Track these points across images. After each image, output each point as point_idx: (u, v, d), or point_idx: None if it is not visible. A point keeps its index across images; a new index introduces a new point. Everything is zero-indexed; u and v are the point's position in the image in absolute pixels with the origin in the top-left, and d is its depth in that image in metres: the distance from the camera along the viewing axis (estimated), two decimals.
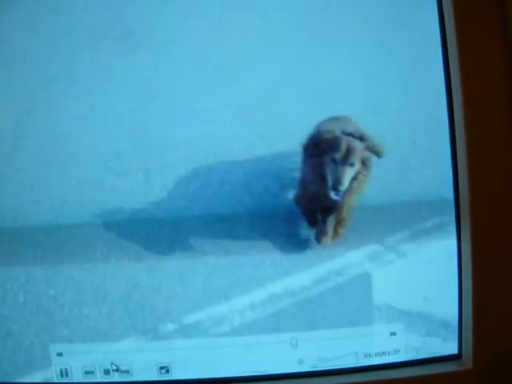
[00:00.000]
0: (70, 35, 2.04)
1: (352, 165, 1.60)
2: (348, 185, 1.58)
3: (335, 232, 1.80)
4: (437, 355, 1.13)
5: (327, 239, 1.83)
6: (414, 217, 1.77)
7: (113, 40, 2.16)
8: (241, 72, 2.23)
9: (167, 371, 1.16)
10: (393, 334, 1.15)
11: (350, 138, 1.66)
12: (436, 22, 1.12)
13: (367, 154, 1.63)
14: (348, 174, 1.60)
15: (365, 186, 1.66)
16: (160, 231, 1.67)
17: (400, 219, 1.83)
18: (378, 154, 1.65)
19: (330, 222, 1.80)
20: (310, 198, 1.77)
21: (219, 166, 1.98)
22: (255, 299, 1.40)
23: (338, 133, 1.66)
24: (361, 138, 1.66)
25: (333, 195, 1.59)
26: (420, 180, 1.90)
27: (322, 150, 1.67)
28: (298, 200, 1.81)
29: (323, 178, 1.66)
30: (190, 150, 1.93)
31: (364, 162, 1.62)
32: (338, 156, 1.60)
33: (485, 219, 1.06)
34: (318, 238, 1.71)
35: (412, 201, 1.82)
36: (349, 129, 1.67)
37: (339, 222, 1.74)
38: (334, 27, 2.26)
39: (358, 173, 1.62)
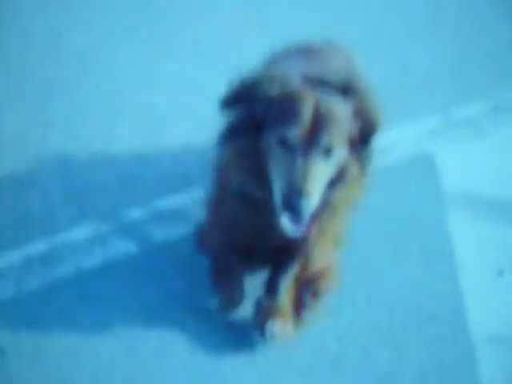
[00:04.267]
0: None
1: (328, 152, 0.84)
2: (319, 196, 0.83)
3: (298, 308, 1.02)
4: None
5: (277, 325, 1.04)
6: None
7: None
8: None
9: None
10: None
11: (320, 93, 0.82)
12: None
13: (359, 123, 0.90)
14: (318, 172, 0.81)
15: (359, 194, 0.96)
16: None
17: None
18: (374, 123, 0.90)
19: (283, 284, 1.07)
20: (234, 233, 1.02)
21: None
22: None
23: (295, 81, 0.82)
24: (345, 90, 0.85)
25: (287, 224, 0.83)
26: None
27: (262, 118, 0.86)
28: (203, 238, 1.09)
29: (263, 183, 0.86)
30: None
31: (354, 143, 0.87)
32: (297, 133, 0.82)
33: None
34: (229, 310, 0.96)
35: None
36: (317, 70, 0.83)
37: (308, 284, 0.94)
38: None
39: (343, 168, 0.84)
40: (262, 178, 1.03)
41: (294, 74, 1.03)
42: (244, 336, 1.99)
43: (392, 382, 2.12)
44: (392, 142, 2.90)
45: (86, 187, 2.64)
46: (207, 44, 3.37)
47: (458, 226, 2.62)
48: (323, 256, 1.68)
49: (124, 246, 2.42)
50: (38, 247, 2.40)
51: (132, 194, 2.62)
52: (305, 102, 0.92)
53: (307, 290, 1.67)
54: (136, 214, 2.56)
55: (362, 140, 1.12)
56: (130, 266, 2.35)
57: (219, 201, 1.57)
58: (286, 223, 0.97)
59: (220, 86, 1.68)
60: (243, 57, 2.90)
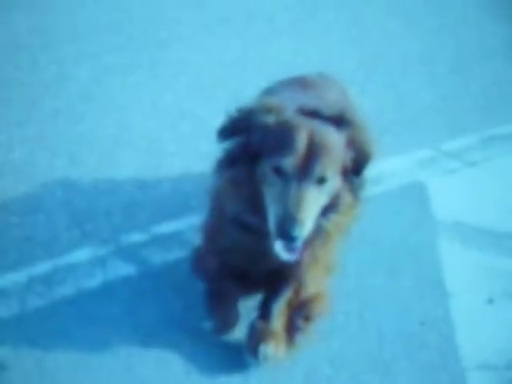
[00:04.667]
0: None
1: (322, 181, 0.83)
2: (313, 223, 0.82)
3: (291, 332, 0.97)
4: None
5: (270, 348, 0.99)
6: None
7: None
8: None
9: None
10: None
11: (315, 124, 0.82)
12: None
13: (352, 153, 0.90)
14: (312, 200, 0.80)
15: (351, 221, 0.92)
16: None
17: None
18: (366, 154, 0.89)
19: (277, 307, 1.03)
20: (229, 258, 0.97)
21: None
22: None
23: (290, 111, 0.83)
24: (339, 121, 0.86)
25: (280, 251, 0.81)
26: None
27: (258, 147, 0.85)
28: (199, 262, 1.04)
29: (258, 210, 0.85)
30: None
31: (347, 173, 0.87)
32: (291, 162, 0.81)
33: None
34: (222, 331, 0.92)
35: None
36: (313, 102, 0.84)
37: (301, 308, 0.92)
38: None
39: (336, 197, 0.84)
40: (257, 205, 1.02)
41: (289, 105, 1.02)
42: (238, 358, 2.03)
43: None
44: (385, 172, 2.98)
45: (89, 211, 2.72)
46: (207, 76, 3.50)
47: (448, 254, 2.67)
48: (316, 281, 1.73)
49: (123, 269, 2.48)
50: (41, 268, 2.47)
51: (132, 218, 2.70)
52: (299, 131, 0.90)
53: (300, 314, 1.72)
54: (135, 237, 2.63)
55: (355, 170, 1.11)
56: (128, 288, 2.40)
57: (215, 226, 1.60)
58: (279, 249, 0.96)
59: (218, 116, 1.76)
60: (241, 89, 3.02)
